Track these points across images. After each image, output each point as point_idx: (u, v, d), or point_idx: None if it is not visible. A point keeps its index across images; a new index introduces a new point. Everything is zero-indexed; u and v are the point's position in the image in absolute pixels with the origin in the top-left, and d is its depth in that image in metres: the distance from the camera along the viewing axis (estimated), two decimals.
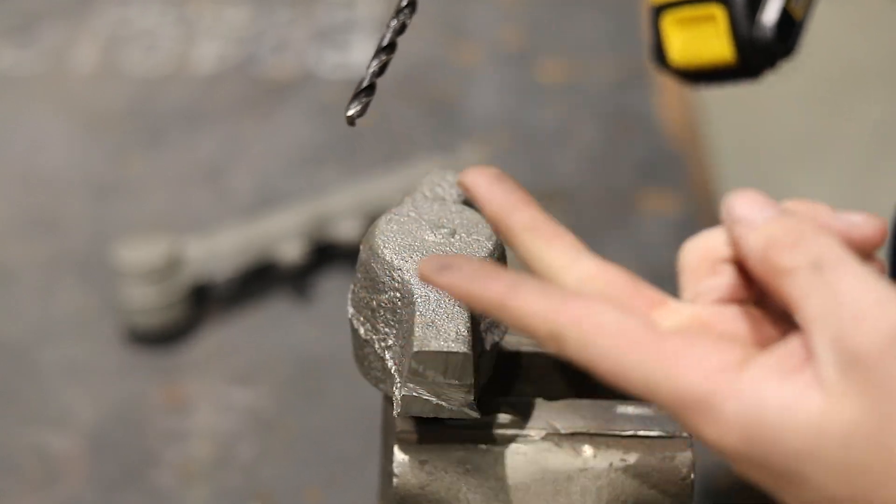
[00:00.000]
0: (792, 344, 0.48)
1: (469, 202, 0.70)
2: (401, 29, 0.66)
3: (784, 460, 0.48)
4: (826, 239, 0.48)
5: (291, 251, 1.18)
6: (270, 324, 1.19)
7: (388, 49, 0.66)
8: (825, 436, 0.46)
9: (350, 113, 0.65)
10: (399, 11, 0.67)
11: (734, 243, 0.52)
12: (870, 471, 0.46)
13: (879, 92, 2.74)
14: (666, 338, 0.49)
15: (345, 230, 1.20)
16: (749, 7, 0.79)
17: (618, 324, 0.49)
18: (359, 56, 1.49)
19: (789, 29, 0.80)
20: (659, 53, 0.84)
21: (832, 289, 0.47)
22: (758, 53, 0.80)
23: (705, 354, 0.48)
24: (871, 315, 0.46)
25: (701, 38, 0.81)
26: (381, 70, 0.65)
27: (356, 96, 0.65)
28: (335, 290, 1.21)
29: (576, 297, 0.50)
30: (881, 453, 0.46)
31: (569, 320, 0.50)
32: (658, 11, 0.83)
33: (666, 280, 1.28)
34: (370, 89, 0.65)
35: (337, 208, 1.21)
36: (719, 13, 0.80)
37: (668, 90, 1.46)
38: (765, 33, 0.79)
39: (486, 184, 0.56)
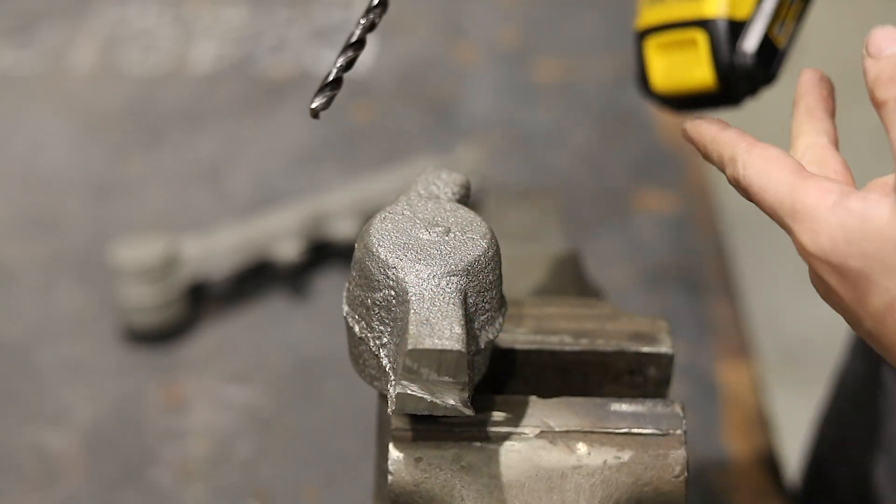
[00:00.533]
0: (889, 178, 0.61)
1: (463, 200, 0.71)
2: (370, 27, 0.67)
3: (857, 263, 0.59)
4: None
5: (289, 250, 1.19)
6: (268, 322, 1.19)
7: (356, 45, 0.67)
8: (889, 240, 0.57)
9: (314, 105, 0.66)
10: (370, 10, 0.67)
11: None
12: None
13: None
14: (807, 174, 0.62)
15: (342, 229, 1.21)
16: (731, 33, 0.79)
17: (777, 156, 0.63)
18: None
19: (771, 56, 0.80)
20: (643, 80, 0.84)
21: None
22: (739, 80, 0.80)
23: (828, 183, 0.61)
24: None
25: (683, 64, 0.81)
26: (349, 65, 0.66)
27: (321, 89, 0.66)
28: (332, 289, 1.21)
29: (756, 140, 0.65)
30: None
31: (744, 147, 0.65)
32: (641, 37, 0.83)
33: (663, 279, 1.29)
34: (336, 83, 0.66)
35: (334, 207, 1.22)
36: (701, 38, 0.80)
37: None
38: (746, 60, 0.79)
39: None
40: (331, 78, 0.67)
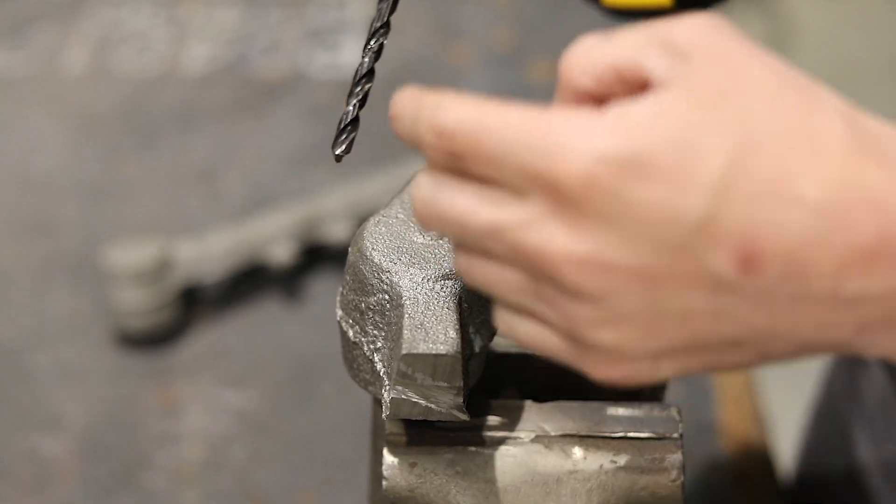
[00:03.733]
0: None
1: None
2: (378, 52, 0.66)
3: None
4: None
5: (282, 253, 1.18)
6: (262, 325, 1.19)
7: (367, 76, 0.67)
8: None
9: (338, 152, 0.65)
10: (374, 34, 0.67)
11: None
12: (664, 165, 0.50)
13: (872, 93, 2.74)
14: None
15: (336, 232, 1.20)
16: None
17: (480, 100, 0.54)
18: (350, 57, 1.49)
19: None
20: None
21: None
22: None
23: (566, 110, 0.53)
24: None
25: None
26: (364, 101, 0.65)
27: (341, 132, 0.65)
28: (326, 292, 1.21)
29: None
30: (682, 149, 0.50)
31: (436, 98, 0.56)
32: None
33: None
34: (355, 122, 0.65)
35: (328, 210, 1.21)
36: None
37: None
38: None
39: None
40: (349, 119, 0.66)
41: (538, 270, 0.52)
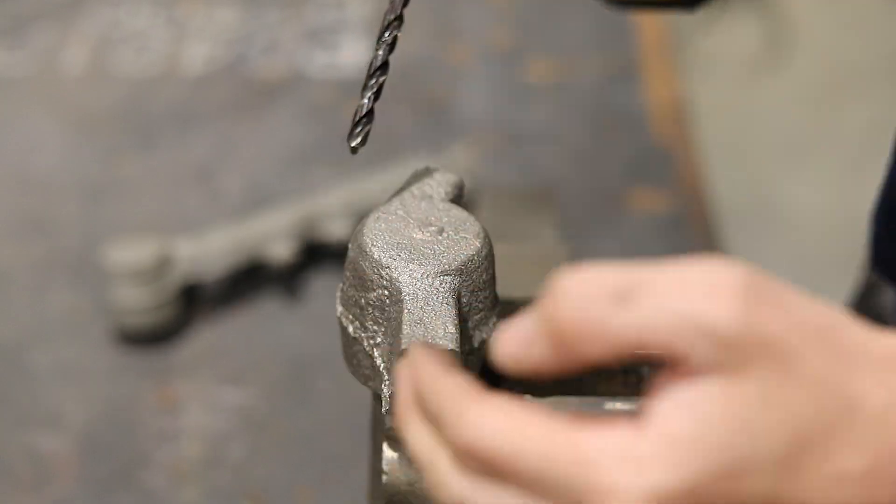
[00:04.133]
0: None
1: (456, 200, 0.71)
2: (392, 45, 0.66)
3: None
4: None
5: (282, 251, 1.19)
6: (261, 324, 1.19)
7: (381, 69, 0.66)
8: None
9: (354, 144, 0.65)
10: (388, 27, 0.66)
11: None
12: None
13: (869, 92, 2.75)
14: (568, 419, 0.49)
15: (335, 230, 1.21)
16: None
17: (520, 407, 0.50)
18: (349, 56, 1.50)
19: None
20: None
21: None
22: None
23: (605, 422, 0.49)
24: None
25: None
26: (378, 93, 0.65)
27: (357, 124, 0.65)
28: (325, 290, 1.21)
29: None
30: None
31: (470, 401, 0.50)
32: None
33: None
34: (369, 115, 0.65)
35: (327, 208, 1.21)
36: None
37: (657, 88, 1.46)
38: None
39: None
40: (364, 111, 0.66)
41: None
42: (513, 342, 0.50)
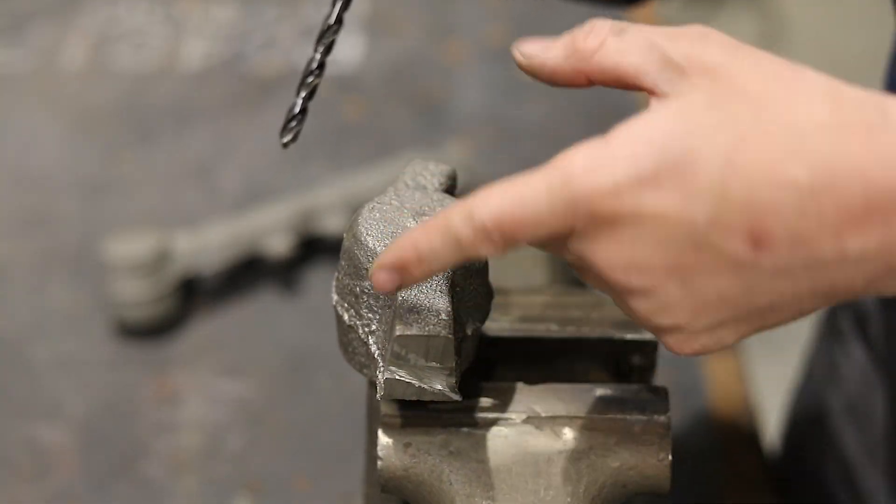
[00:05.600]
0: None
1: (450, 191, 0.72)
2: (329, 48, 0.69)
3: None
4: None
5: (279, 245, 1.19)
6: (259, 317, 1.20)
7: (317, 71, 0.69)
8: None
9: (285, 140, 0.68)
10: (326, 31, 0.69)
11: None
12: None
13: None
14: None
15: (332, 224, 1.22)
16: None
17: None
18: (345, 53, 1.50)
19: None
20: None
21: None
22: None
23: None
24: None
25: None
26: (312, 93, 0.68)
27: (290, 121, 0.68)
28: (322, 284, 1.22)
29: None
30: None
31: None
32: None
33: None
34: (303, 113, 0.68)
35: (324, 203, 1.22)
36: None
37: None
38: None
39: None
40: (297, 109, 0.69)
41: (600, 281, 0.60)
42: (533, 43, 0.66)
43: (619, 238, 0.58)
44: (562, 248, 0.60)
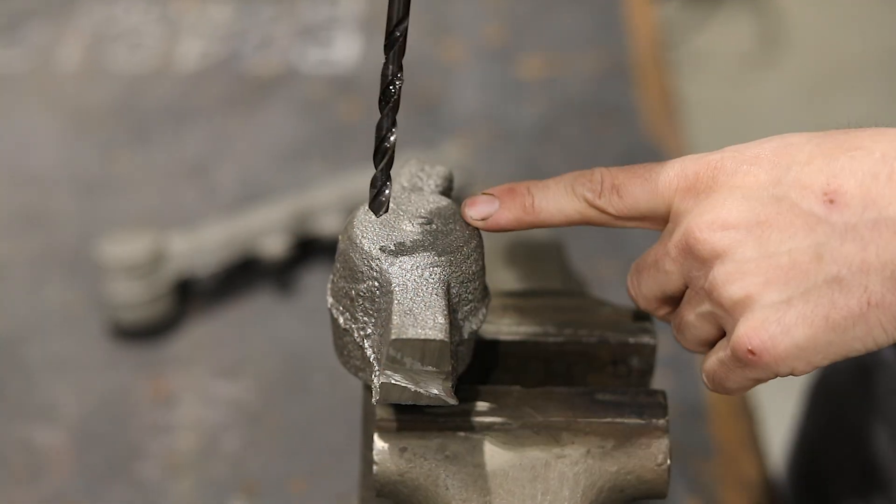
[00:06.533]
0: None
1: (446, 192, 0.71)
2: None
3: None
4: None
5: (275, 246, 1.19)
6: (254, 317, 1.20)
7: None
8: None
9: (380, 213, 0.67)
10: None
11: None
12: None
13: (861, 88, 2.75)
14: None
15: (328, 225, 1.21)
16: None
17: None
18: (342, 52, 1.50)
19: None
20: None
21: None
22: None
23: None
24: None
25: None
26: (391, 162, 0.68)
27: (377, 195, 0.67)
28: (318, 284, 1.22)
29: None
30: None
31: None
32: None
33: None
34: (386, 182, 0.68)
35: (320, 203, 1.22)
36: None
37: (649, 84, 1.47)
38: None
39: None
40: (379, 184, 0.68)
41: (686, 245, 0.65)
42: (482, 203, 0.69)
43: (710, 199, 0.65)
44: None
